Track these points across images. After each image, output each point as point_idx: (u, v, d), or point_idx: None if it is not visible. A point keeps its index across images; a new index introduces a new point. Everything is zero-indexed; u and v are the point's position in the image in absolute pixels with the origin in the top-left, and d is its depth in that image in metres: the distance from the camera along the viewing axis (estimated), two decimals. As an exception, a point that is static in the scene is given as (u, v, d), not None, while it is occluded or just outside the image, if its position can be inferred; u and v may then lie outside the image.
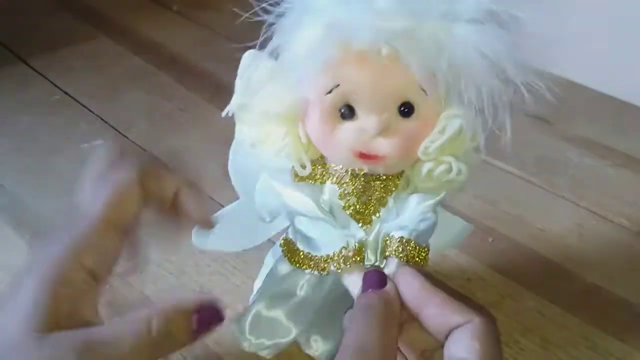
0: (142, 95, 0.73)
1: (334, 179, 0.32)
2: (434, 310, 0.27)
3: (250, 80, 0.30)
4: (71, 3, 0.93)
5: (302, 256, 0.33)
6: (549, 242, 0.54)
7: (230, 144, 0.35)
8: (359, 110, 0.29)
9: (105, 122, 0.68)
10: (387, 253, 0.31)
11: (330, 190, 0.32)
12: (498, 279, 0.50)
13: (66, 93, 0.73)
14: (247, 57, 0.31)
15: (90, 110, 0.70)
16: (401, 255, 0.30)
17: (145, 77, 0.76)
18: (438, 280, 0.29)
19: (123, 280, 0.49)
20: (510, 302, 0.48)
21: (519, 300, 0.49)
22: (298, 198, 0.31)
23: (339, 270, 0.31)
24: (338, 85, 0.28)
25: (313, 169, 0.32)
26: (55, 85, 0.74)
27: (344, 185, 0.32)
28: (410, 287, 0.28)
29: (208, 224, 0.32)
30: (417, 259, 0.30)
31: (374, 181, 0.32)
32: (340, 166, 0.32)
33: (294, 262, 0.33)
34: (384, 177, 0.32)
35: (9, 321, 0.25)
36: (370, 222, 0.32)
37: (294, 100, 0.30)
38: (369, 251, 0.31)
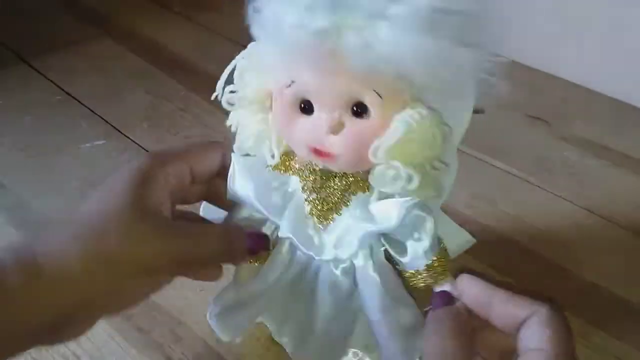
0: (143, 96, 0.73)
1: (297, 172, 0.33)
2: (500, 308, 0.28)
3: (236, 68, 0.32)
4: (73, 4, 0.93)
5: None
6: (547, 242, 0.54)
7: (230, 144, 0.35)
8: (316, 106, 0.29)
9: (107, 122, 0.68)
10: (422, 284, 0.32)
11: (294, 182, 0.33)
12: (497, 278, 0.50)
13: (68, 93, 0.73)
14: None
15: (91, 111, 0.70)
16: (432, 279, 0.31)
17: (146, 77, 0.77)
18: (495, 278, 0.30)
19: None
20: (509, 301, 0.48)
21: (517, 299, 0.49)
22: (241, 183, 0.33)
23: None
24: (296, 81, 0.29)
25: (283, 159, 0.33)
26: (57, 86, 0.74)
27: (304, 179, 0.32)
28: (472, 292, 0.29)
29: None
30: (445, 267, 0.31)
31: (332, 179, 0.32)
32: (304, 160, 0.32)
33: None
34: (343, 176, 0.32)
35: (111, 197, 0.30)
36: (330, 219, 0.32)
37: (261, 90, 0.31)
38: (325, 248, 0.32)
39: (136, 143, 0.65)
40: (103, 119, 0.69)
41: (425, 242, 0.31)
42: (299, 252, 0.34)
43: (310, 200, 0.32)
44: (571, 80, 0.76)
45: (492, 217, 0.56)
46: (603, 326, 0.47)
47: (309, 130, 0.30)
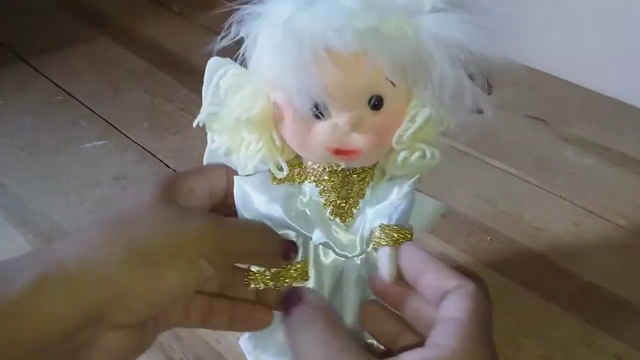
0: (143, 95, 0.73)
1: (312, 177, 0.32)
2: (431, 276, 0.28)
3: (218, 88, 0.31)
4: (72, 4, 0.93)
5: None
6: (547, 242, 0.54)
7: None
8: (330, 108, 0.29)
9: (107, 122, 0.68)
10: (374, 245, 0.31)
11: (309, 188, 0.33)
12: (496, 278, 0.51)
13: (68, 93, 0.73)
14: (212, 64, 0.31)
15: (91, 110, 0.70)
16: (385, 241, 0.31)
17: (146, 77, 0.77)
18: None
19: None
20: (508, 301, 0.49)
21: (517, 300, 0.49)
22: (267, 204, 0.32)
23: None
24: (309, 86, 0.28)
25: (290, 170, 0.32)
26: (57, 86, 0.74)
27: (323, 182, 0.32)
28: (410, 257, 0.30)
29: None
30: (402, 240, 0.31)
31: (351, 175, 0.32)
32: (318, 164, 0.32)
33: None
34: (360, 170, 0.32)
35: (143, 192, 0.29)
36: (351, 215, 0.33)
37: (265, 105, 0.30)
38: (357, 243, 0.32)
39: (136, 143, 0.65)
40: (103, 119, 0.69)
41: (403, 205, 0.32)
42: (322, 256, 0.34)
43: (331, 202, 0.32)
44: (571, 80, 0.76)
45: (492, 217, 0.56)
46: (603, 326, 0.47)
47: (327, 133, 0.30)
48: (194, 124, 0.32)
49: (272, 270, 0.32)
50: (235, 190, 0.33)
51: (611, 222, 0.57)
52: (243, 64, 0.31)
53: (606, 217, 0.57)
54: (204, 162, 0.34)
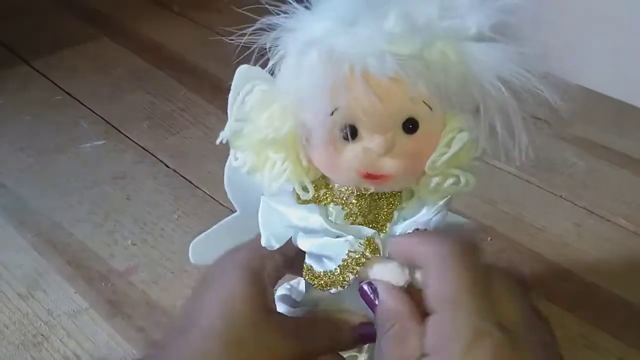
0: (143, 96, 0.73)
1: (338, 200, 0.31)
2: (413, 248, 0.29)
3: (244, 105, 0.29)
4: (73, 4, 0.93)
5: (321, 276, 0.32)
6: (547, 242, 0.54)
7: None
8: (362, 131, 0.28)
9: (107, 122, 0.68)
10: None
11: (335, 211, 0.31)
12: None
13: (68, 93, 0.73)
14: (241, 72, 0.30)
15: (91, 111, 0.70)
16: None
17: (146, 77, 0.77)
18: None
19: (124, 280, 0.50)
20: (508, 301, 0.49)
21: (517, 299, 0.49)
22: (305, 215, 0.31)
23: (357, 275, 0.30)
24: (341, 107, 0.27)
25: (316, 191, 0.31)
26: (57, 86, 0.74)
27: (350, 205, 0.31)
28: (398, 246, 0.30)
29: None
30: None
31: (379, 199, 0.31)
32: (345, 187, 0.31)
33: (318, 285, 0.32)
34: (389, 194, 0.31)
35: (234, 302, 0.30)
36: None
37: (293, 125, 0.29)
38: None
39: (136, 143, 0.65)
40: (103, 119, 0.69)
41: (436, 218, 0.31)
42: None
43: (357, 225, 0.31)
44: (571, 80, 0.76)
45: (492, 217, 0.56)
46: (603, 326, 0.47)
47: (358, 157, 0.28)
48: (217, 141, 0.30)
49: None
50: (260, 209, 0.32)
51: (612, 223, 0.57)
52: (272, 74, 0.29)
53: (607, 217, 0.57)
54: (225, 180, 0.34)
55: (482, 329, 0.24)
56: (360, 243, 0.30)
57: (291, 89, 0.28)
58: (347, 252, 0.30)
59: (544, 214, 0.57)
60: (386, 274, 0.30)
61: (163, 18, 0.91)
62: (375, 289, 0.29)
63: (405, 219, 0.31)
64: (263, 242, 0.32)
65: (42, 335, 0.45)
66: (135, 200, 0.58)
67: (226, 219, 0.36)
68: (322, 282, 0.31)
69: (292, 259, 0.33)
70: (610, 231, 0.56)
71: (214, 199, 0.58)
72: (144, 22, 0.88)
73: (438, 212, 0.31)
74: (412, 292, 0.29)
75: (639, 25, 0.71)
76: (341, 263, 0.30)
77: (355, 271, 0.30)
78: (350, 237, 0.30)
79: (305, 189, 0.30)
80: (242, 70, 0.30)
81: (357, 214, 0.31)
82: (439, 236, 0.29)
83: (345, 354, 0.36)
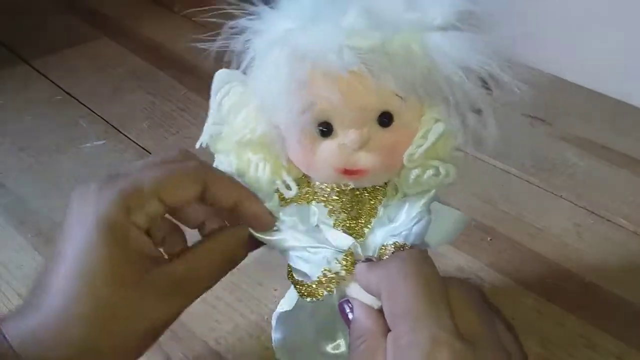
0: (143, 95, 0.73)
1: (320, 197, 0.31)
2: (371, 276, 0.29)
3: (221, 107, 0.30)
4: (73, 4, 0.93)
5: (299, 285, 0.32)
6: (547, 242, 0.54)
7: (206, 165, 0.34)
8: (337, 127, 0.28)
9: (107, 122, 0.68)
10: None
11: (318, 209, 0.31)
12: (497, 278, 0.51)
13: (68, 93, 0.73)
14: (220, 76, 0.30)
15: (91, 110, 0.70)
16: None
17: (146, 77, 0.77)
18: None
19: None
20: (508, 301, 0.49)
21: (517, 300, 0.49)
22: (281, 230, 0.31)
23: (333, 293, 0.30)
24: (312, 104, 0.27)
25: (299, 189, 0.31)
26: (57, 86, 0.74)
27: (332, 202, 0.31)
28: (361, 277, 0.29)
29: (268, 228, 0.32)
30: None
31: (362, 194, 0.31)
32: (326, 184, 0.31)
33: (298, 292, 0.32)
34: (372, 188, 0.31)
35: (95, 278, 0.27)
36: (363, 235, 0.31)
37: (268, 125, 0.29)
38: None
39: (136, 143, 0.65)
40: (103, 119, 0.69)
41: (417, 226, 0.31)
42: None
43: (341, 222, 0.31)
44: (571, 80, 0.76)
45: (492, 217, 0.56)
46: (603, 326, 0.47)
47: (334, 152, 0.28)
48: (197, 145, 0.31)
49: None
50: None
51: (612, 222, 0.57)
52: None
53: (607, 217, 0.57)
54: None
55: (440, 338, 0.24)
56: (337, 260, 0.30)
57: (261, 90, 0.28)
58: (322, 270, 0.30)
59: (544, 214, 0.57)
60: (360, 293, 0.30)
61: (163, 18, 0.91)
62: (352, 307, 0.29)
63: (391, 219, 0.31)
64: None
65: (42, 335, 0.45)
66: (135, 200, 0.58)
67: None
68: (302, 289, 0.31)
69: (176, 210, 0.31)
70: (610, 231, 0.56)
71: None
72: (144, 22, 0.88)
73: (418, 221, 0.30)
74: None
75: (639, 25, 0.71)
76: (316, 280, 0.30)
77: (329, 289, 0.30)
78: (328, 254, 0.30)
79: (287, 187, 0.30)
80: (221, 73, 0.30)
81: (339, 210, 0.31)
82: (393, 260, 0.28)
83: (329, 344, 0.36)
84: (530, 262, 0.52)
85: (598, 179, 0.62)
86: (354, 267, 0.30)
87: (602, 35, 0.73)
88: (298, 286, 0.31)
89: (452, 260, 0.52)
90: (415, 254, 0.28)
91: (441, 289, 0.26)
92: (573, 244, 0.54)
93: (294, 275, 0.32)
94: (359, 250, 0.31)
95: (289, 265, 0.33)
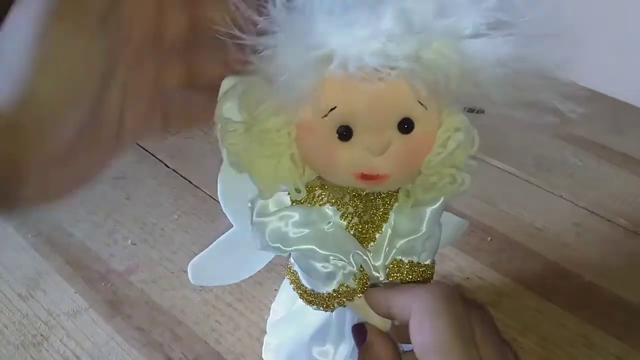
0: (143, 96, 0.73)
1: (334, 200, 0.31)
2: (393, 303, 0.29)
3: (237, 103, 0.29)
4: (72, 3, 0.93)
5: (307, 292, 0.32)
6: (547, 242, 0.54)
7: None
8: (357, 131, 0.27)
9: (106, 122, 0.68)
10: (396, 277, 0.31)
11: (332, 211, 0.31)
12: (496, 278, 0.51)
13: (67, 93, 0.73)
14: (227, 84, 0.29)
15: (91, 111, 0.70)
16: (411, 278, 0.31)
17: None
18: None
19: (124, 280, 0.50)
20: (508, 301, 0.49)
21: (517, 300, 0.49)
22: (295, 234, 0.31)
23: (345, 307, 0.31)
24: (334, 107, 0.27)
25: (310, 191, 0.31)
26: (57, 86, 0.74)
27: (345, 205, 0.31)
28: (376, 300, 0.30)
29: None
30: (426, 277, 0.31)
31: (375, 199, 0.31)
32: (339, 187, 0.30)
33: (302, 297, 0.32)
34: (385, 194, 0.31)
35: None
36: (374, 240, 0.31)
37: (286, 125, 0.28)
38: (379, 270, 0.31)
39: (136, 143, 0.65)
40: (103, 118, 0.69)
41: (430, 240, 0.31)
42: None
43: (352, 225, 0.31)
44: (571, 80, 0.76)
45: (492, 217, 0.56)
46: (603, 326, 0.47)
47: (353, 157, 0.28)
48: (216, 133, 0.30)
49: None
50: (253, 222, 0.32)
51: (612, 222, 0.57)
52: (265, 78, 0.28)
53: (607, 217, 0.57)
54: (219, 180, 0.32)
55: None
56: (355, 276, 0.30)
57: (286, 89, 0.27)
58: (340, 283, 0.30)
59: (543, 214, 0.57)
60: (365, 308, 0.30)
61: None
62: (365, 331, 0.30)
63: (402, 228, 0.31)
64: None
65: (41, 335, 0.45)
66: (135, 200, 0.58)
67: (224, 236, 0.36)
68: (308, 297, 0.32)
69: None
70: (610, 231, 0.56)
71: (214, 199, 0.58)
72: (144, 22, 0.88)
73: (430, 236, 0.31)
74: (399, 328, 0.30)
75: (639, 25, 0.71)
76: (331, 291, 0.31)
77: (343, 303, 0.31)
78: (346, 269, 0.30)
79: (297, 190, 0.30)
80: (228, 81, 0.29)
81: (352, 214, 0.31)
82: (419, 288, 0.29)
83: (318, 348, 0.36)
84: (530, 262, 0.53)
85: (598, 179, 0.62)
86: (366, 288, 0.31)
87: (602, 35, 0.73)
88: (304, 293, 0.31)
89: (453, 260, 0.52)
90: (447, 292, 0.28)
91: (470, 328, 0.27)
92: (573, 244, 0.54)
93: (302, 281, 0.32)
94: (370, 258, 0.31)
95: (291, 270, 0.33)
